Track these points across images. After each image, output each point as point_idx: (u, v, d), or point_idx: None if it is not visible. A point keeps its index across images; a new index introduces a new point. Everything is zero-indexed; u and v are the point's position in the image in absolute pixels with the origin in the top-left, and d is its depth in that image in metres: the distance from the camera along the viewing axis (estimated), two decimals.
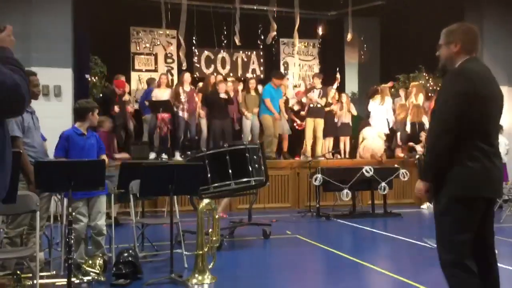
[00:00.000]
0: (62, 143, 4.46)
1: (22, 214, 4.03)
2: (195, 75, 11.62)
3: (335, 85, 10.95)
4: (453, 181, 2.56)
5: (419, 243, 5.99)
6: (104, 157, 4.60)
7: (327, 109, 10.18)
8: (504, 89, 10.91)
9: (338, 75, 11.26)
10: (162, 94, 9.36)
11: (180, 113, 9.22)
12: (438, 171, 2.58)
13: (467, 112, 2.51)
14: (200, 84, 10.28)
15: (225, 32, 11.82)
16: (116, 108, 8.76)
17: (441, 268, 2.64)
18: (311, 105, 10.00)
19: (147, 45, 11.60)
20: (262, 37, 12.00)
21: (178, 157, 9.06)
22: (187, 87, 9.44)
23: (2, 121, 1.83)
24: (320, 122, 10.03)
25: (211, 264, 4.43)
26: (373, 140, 10.01)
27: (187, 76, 9.53)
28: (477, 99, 2.54)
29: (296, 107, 10.70)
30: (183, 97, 9.18)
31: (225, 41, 11.95)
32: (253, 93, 9.97)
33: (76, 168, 3.82)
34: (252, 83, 10.06)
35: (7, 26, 1.96)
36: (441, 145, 2.53)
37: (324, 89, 10.21)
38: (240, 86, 10.44)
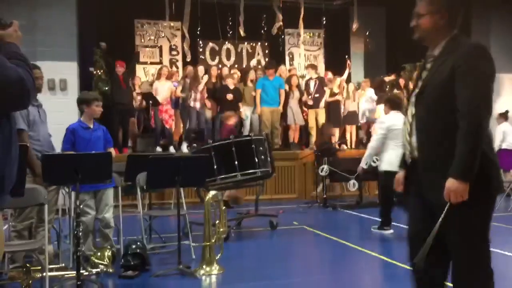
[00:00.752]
0: (68, 137, 4.49)
1: (29, 207, 4.06)
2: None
3: (346, 73, 10.94)
4: (486, 179, 2.20)
5: None
6: (111, 150, 4.61)
7: (330, 99, 10.16)
8: (510, 77, 10.72)
9: (349, 62, 11.24)
10: (162, 86, 9.37)
11: (192, 104, 9.24)
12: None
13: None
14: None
15: (230, 24, 11.77)
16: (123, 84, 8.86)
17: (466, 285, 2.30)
18: (309, 96, 10.01)
19: (152, 37, 11.57)
20: (266, 28, 11.95)
21: (185, 149, 9.10)
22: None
23: (8, 114, 1.84)
24: (321, 112, 10.02)
25: (219, 255, 4.45)
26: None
27: (201, 69, 9.60)
28: (494, 82, 2.29)
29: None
30: (199, 89, 9.25)
31: (230, 32, 11.90)
32: (250, 84, 10.00)
33: (82, 160, 3.84)
34: (251, 75, 10.08)
35: (13, 21, 1.97)
36: (483, 137, 2.17)
37: (322, 79, 10.23)
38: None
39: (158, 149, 9.14)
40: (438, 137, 2.25)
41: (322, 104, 10.07)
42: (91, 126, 4.57)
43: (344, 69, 11.01)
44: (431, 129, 2.27)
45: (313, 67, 10.59)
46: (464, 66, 2.17)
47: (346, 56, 11.78)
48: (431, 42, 2.35)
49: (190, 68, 9.71)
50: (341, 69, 11.06)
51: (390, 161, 5.63)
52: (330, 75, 10.68)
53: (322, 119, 10.03)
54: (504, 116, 9.46)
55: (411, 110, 2.35)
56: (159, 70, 9.80)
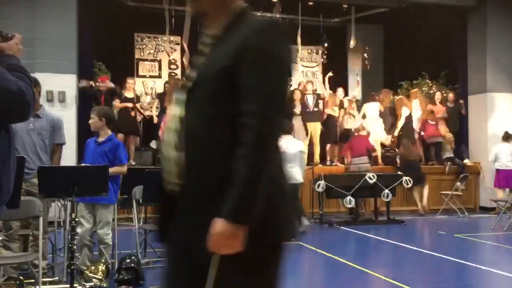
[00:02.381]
0: (84, 150, 4.67)
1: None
2: None
3: (357, 90, 11.29)
4: (266, 224, 1.46)
5: (422, 250, 5.97)
6: (115, 168, 4.47)
7: (329, 112, 10.23)
8: (508, 96, 10.76)
9: (358, 78, 11.47)
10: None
11: None
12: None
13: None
14: None
15: None
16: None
17: None
18: (307, 110, 10.03)
19: (151, 51, 11.65)
20: None
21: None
22: None
23: (7, 126, 1.86)
24: (317, 126, 10.04)
25: None
26: (373, 121, 10.12)
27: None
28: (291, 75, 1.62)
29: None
30: None
31: None
32: None
33: (77, 173, 3.85)
34: None
35: (16, 34, 1.99)
36: (274, 156, 1.49)
37: (318, 95, 10.31)
38: None
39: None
40: (213, 155, 1.48)
41: (319, 118, 10.11)
42: (100, 139, 4.58)
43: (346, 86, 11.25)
44: (204, 142, 1.49)
45: (311, 82, 10.74)
46: (253, 50, 1.45)
47: (356, 73, 12.13)
48: (211, 17, 1.61)
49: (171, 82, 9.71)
50: (339, 85, 11.17)
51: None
52: (340, 91, 10.75)
53: (317, 134, 10.06)
54: (509, 137, 9.51)
55: (179, 112, 1.57)
56: (176, 81, 9.72)
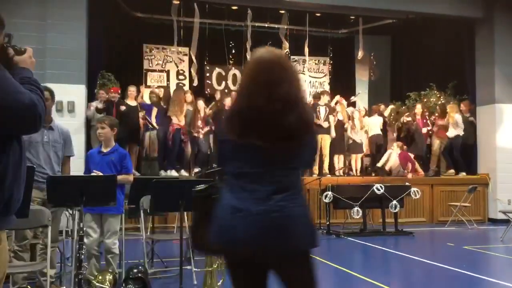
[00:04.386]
0: (86, 161, 4.67)
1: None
2: (206, 92, 11.74)
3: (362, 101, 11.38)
4: None
5: (431, 262, 5.91)
6: (122, 176, 4.48)
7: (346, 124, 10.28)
8: None
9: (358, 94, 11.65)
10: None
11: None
12: None
13: None
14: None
15: (236, 49, 11.96)
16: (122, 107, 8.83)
17: None
18: (317, 122, 9.98)
19: (160, 62, 11.76)
20: None
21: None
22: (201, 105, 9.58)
23: (19, 137, 1.89)
24: (326, 138, 10.00)
25: (220, 281, 4.41)
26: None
27: (200, 103, 9.67)
28: None
29: None
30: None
31: (235, 58, 12.08)
32: None
33: (86, 183, 3.87)
34: None
35: (27, 48, 2.03)
36: None
37: (330, 106, 10.25)
38: None
39: (175, 173, 9.16)
40: None
41: (330, 130, 10.08)
42: (105, 150, 4.58)
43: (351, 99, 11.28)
44: None
45: (326, 93, 10.67)
46: None
47: (359, 93, 12.23)
48: None
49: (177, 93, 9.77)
50: (346, 96, 11.17)
51: None
52: (344, 101, 10.75)
53: (327, 146, 10.02)
54: None
55: None
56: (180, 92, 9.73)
